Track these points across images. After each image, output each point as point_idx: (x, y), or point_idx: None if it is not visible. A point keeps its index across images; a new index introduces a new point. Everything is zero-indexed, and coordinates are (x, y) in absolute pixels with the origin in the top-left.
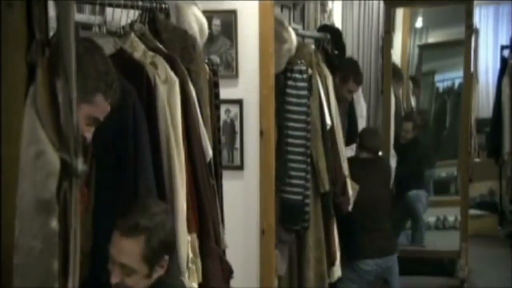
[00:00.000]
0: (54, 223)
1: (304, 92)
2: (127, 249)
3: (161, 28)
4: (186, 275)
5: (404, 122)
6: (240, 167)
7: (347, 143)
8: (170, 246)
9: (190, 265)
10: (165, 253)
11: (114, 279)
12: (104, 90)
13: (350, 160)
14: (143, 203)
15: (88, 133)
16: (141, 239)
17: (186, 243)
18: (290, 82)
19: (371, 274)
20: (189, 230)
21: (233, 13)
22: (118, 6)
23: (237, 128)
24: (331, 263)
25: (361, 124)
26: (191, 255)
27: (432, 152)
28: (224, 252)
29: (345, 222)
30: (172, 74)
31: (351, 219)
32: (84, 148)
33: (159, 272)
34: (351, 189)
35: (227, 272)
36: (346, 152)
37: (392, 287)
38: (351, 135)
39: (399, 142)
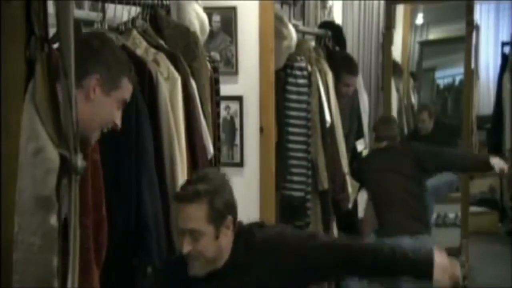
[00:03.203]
0: (54, 220)
1: (305, 89)
2: (193, 215)
3: (163, 25)
4: None
5: (419, 113)
6: (240, 164)
7: (357, 137)
8: (232, 207)
9: None
10: (228, 213)
11: (186, 248)
12: (128, 73)
13: (371, 153)
14: (201, 172)
15: (118, 119)
16: (204, 202)
17: None
18: (290, 79)
19: None
20: None
21: (233, 9)
22: (120, 2)
23: (237, 125)
24: None
25: (364, 119)
26: None
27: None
28: None
29: (376, 207)
30: (174, 71)
31: (382, 204)
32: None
33: (226, 233)
34: (351, 187)
35: None
36: (358, 145)
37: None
38: (358, 129)
39: (419, 135)
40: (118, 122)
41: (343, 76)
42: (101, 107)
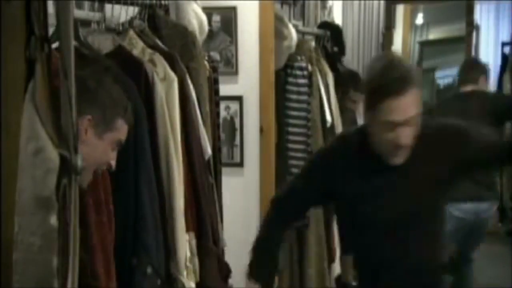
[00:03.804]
0: (54, 220)
1: (305, 89)
2: (410, 101)
3: (161, 25)
4: (185, 273)
5: None
6: (240, 164)
7: None
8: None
9: (188, 264)
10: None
11: (406, 140)
12: (123, 114)
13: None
14: (387, 63)
15: (113, 160)
16: (414, 84)
17: (185, 242)
18: (290, 79)
19: (461, 223)
20: (187, 229)
21: (233, 9)
22: (117, 2)
23: (237, 125)
24: (331, 260)
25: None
26: (189, 254)
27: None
28: (223, 251)
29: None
30: (170, 72)
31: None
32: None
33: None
34: None
35: (225, 271)
36: None
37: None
38: None
39: None
40: (113, 163)
41: (350, 92)
42: (93, 149)
